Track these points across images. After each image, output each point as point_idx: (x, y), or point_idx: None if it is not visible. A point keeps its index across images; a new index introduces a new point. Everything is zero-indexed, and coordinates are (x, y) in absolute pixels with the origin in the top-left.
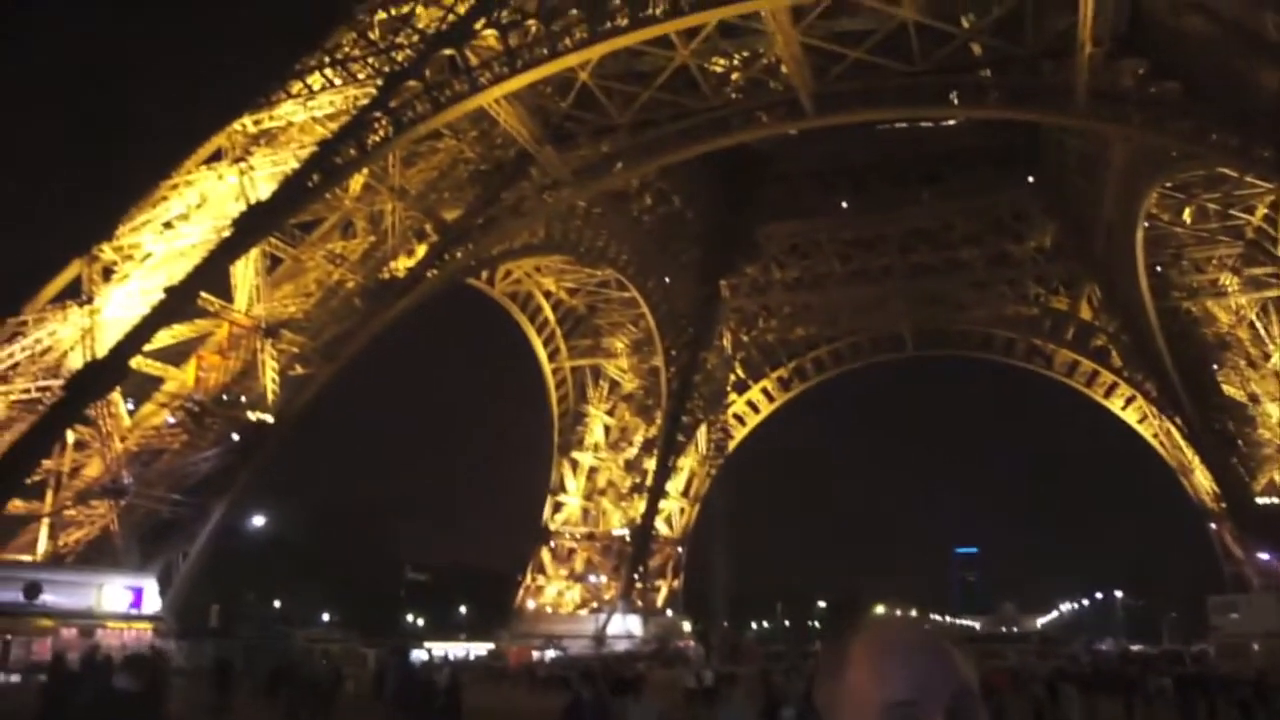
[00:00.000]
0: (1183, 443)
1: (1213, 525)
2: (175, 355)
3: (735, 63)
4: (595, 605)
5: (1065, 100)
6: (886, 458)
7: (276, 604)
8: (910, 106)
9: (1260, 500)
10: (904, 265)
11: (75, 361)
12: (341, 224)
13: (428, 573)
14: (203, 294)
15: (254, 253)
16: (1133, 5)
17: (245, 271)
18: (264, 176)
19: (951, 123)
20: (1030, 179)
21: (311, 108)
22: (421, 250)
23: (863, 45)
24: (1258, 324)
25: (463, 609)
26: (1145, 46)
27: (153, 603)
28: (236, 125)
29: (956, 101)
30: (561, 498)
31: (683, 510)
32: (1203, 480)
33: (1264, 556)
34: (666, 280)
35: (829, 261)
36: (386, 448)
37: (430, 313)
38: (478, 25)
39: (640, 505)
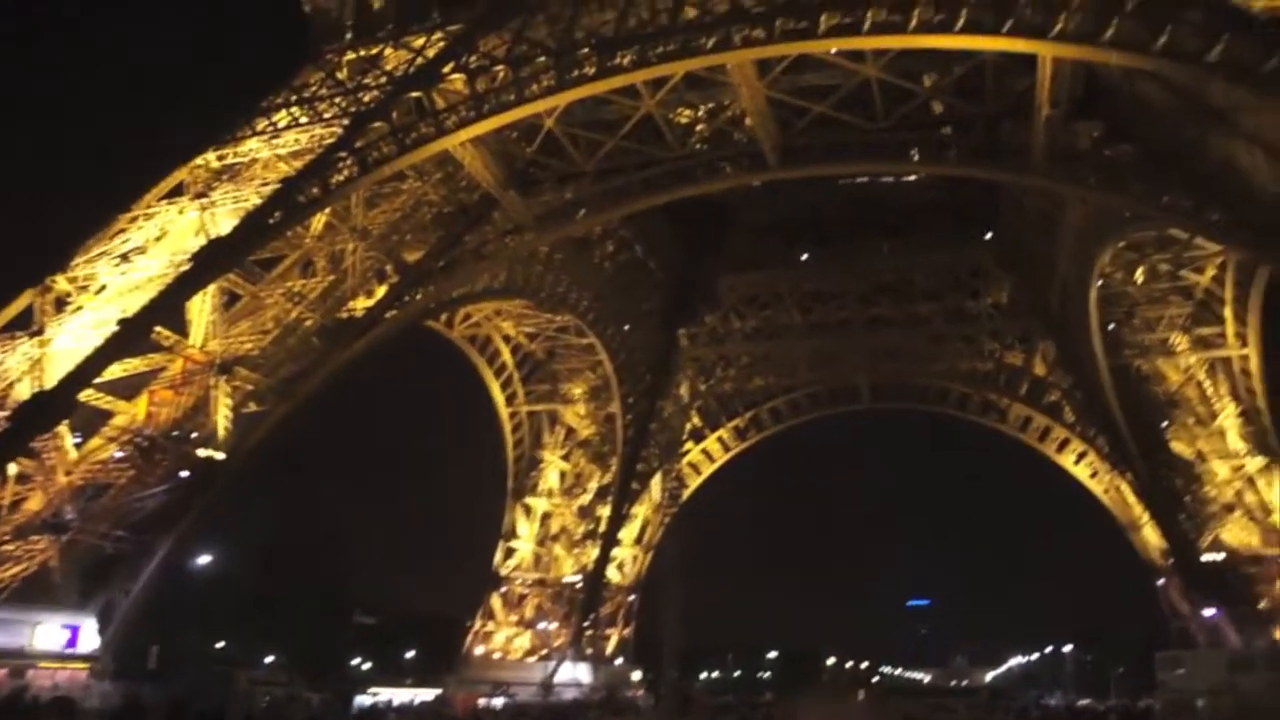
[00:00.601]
0: (1132, 499)
1: (1160, 581)
2: (126, 389)
3: (700, 114)
4: (545, 652)
5: (1023, 160)
6: (842, 509)
7: (220, 645)
8: (872, 162)
9: (1206, 557)
10: (863, 319)
11: (23, 392)
12: (302, 262)
13: (376, 615)
14: (158, 328)
15: (211, 288)
16: (1088, 70)
17: (202, 307)
18: (225, 212)
19: (913, 178)
20: (989, 236)
21: (276, 145)
22: (381, 291)
23: (826, 100)
24: (1205, 383)
25: (410, 653)
26: (1101, 110)
27: (90, 642)
28: (199, 160)
29: (917, 158)
30: (514, 543)
31: (635, 558)
32: (1151, 536)
33: (1209, 612)
34: (626, 328)
35: (789, 313)
36: (338, 487)
37: (388, 353)
38: (446, 69)
39: (593, 552)
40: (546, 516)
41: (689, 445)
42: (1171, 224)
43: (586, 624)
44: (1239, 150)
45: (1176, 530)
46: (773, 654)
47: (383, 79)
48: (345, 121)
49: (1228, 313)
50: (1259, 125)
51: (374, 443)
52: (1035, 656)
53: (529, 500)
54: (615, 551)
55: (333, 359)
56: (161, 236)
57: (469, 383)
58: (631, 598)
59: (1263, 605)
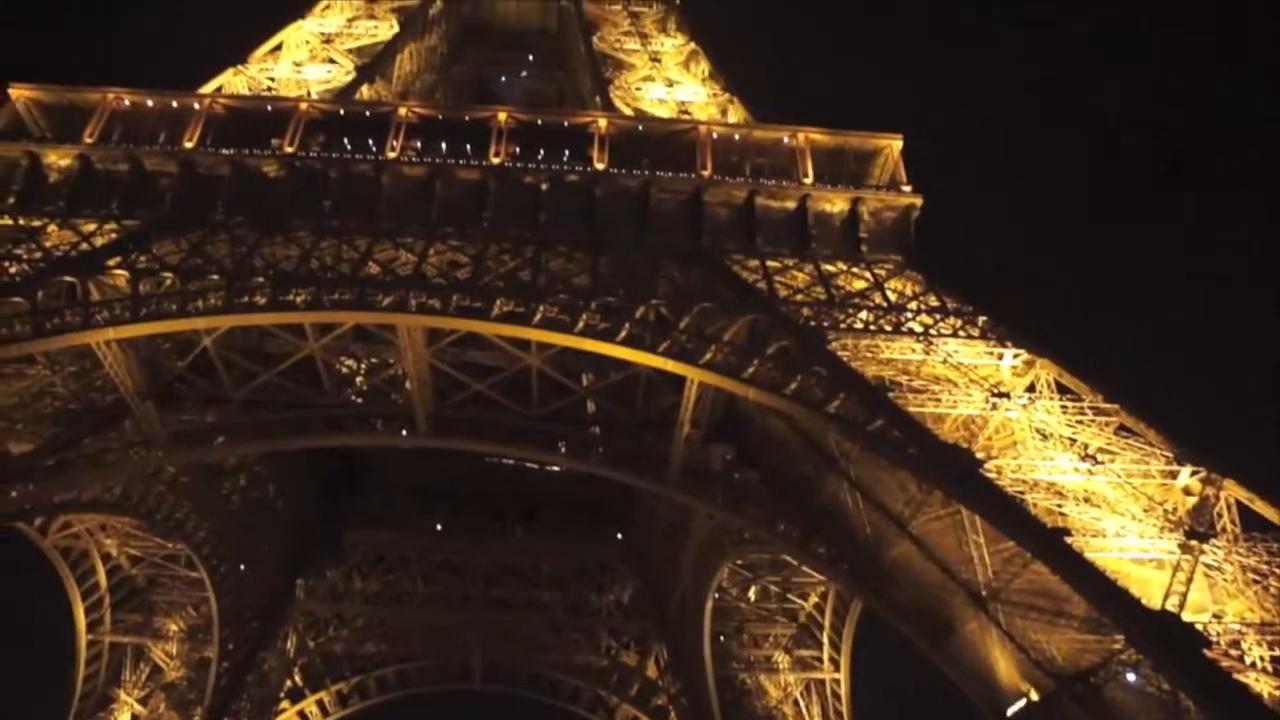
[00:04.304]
0: None
1: None
2: None
3: (362, 367)
4: None
5: (661, 470)
6: None
7: None
8: (520, 448)
9: None
10: (486, 597)
11: None
12: None
13: None
14: None
15: None
16: (729, 399)
17: None
18: None
19: (556, 469)
20: (620, 535)
21: None
22: None
23: (487, 380)
24: (801, 702)
25: None
26: (735, 436)
27: None
28: None
29: (564, 451)
30: None
31: None
32: None
33: None
34: (241, 568)
35: (413, 580)
36: None
37: None
38: (111, 262)
39: None
40: None
41: (285, 704)
42: (783, 550)
43: None
44: (844, 493)
45: None
46: None
47: (37, 254)
48: None
49: (825, 638)
50: (860, 475)
51: None
52: None
53: None
54: None
55: None
56: None
57: (48, 595)
58: None
59: None
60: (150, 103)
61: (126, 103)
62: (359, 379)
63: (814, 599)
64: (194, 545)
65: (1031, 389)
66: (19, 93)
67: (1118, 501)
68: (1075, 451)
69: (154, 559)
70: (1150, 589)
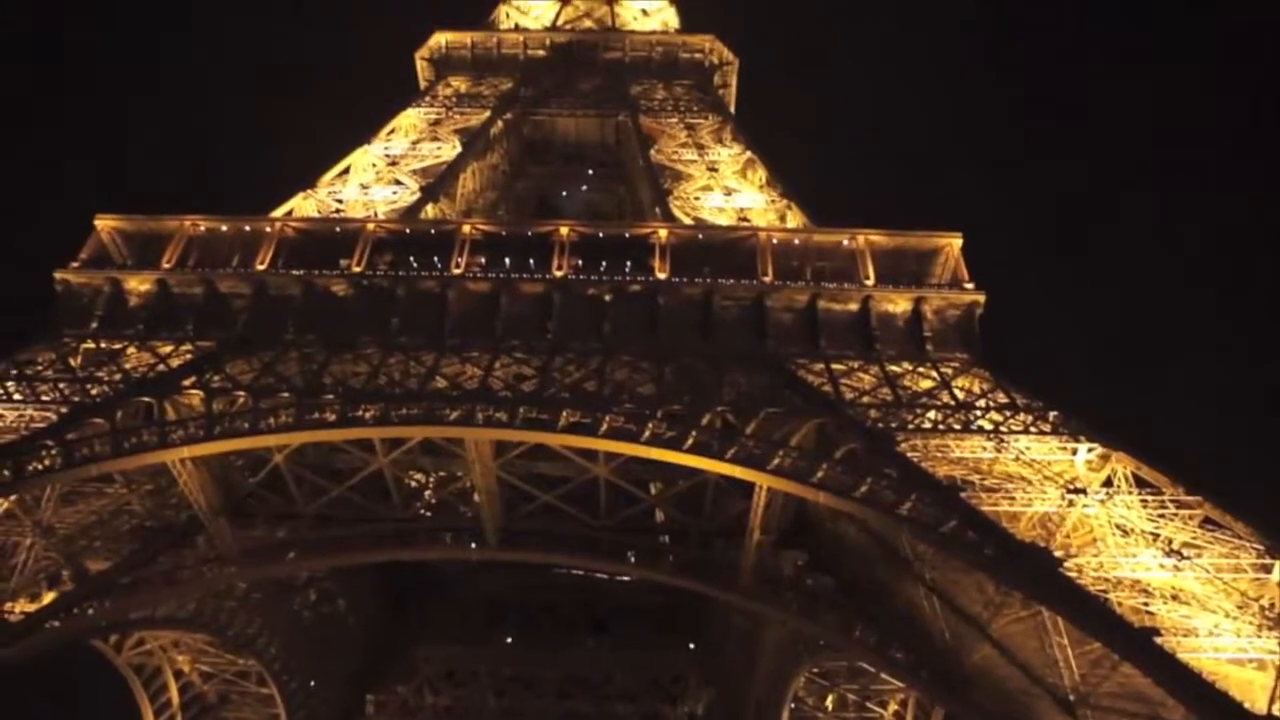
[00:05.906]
0: None
1: None
2: None
3: (431, 480)
4: None
5: (732, 578)
6: None
7: None
8: (590, 558)
9: None
10: (557, 710)
11: None
12: None
13: None
14: None
15: None
16: (798, 503)
17: None
18: None
19: (626, 579)
20: (692, 644)
21: None
22: (49, 597)
23: (555, 491)
24: None
25: None
26: (807, 541)
27: None
28: None
29: (633, 560)
30: None
31: None
32: None
33: None
34: (312, 684)
35: (484, 694)
36: None
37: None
38: (186, 382)
39: None
40: None
41: None
42: (860, 657)
43: None
44: (921, 597)
45: None
46: None
47: (117, 376)
48: (63, 409)
49: None
50: (936, 578)
51: None
52: None
53: None
54: None
55: None
56: None
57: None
58: None
59: None
60: (224, 228)
61: (202, 229)
62: (428, 492)
63: (894, 707)
64: (265, 661)
65: (1109, 483)
66: (103, 223)
67: (1208, 598)
68: (1159, 547)
69: (225, 675)
70: (1253, 692)
